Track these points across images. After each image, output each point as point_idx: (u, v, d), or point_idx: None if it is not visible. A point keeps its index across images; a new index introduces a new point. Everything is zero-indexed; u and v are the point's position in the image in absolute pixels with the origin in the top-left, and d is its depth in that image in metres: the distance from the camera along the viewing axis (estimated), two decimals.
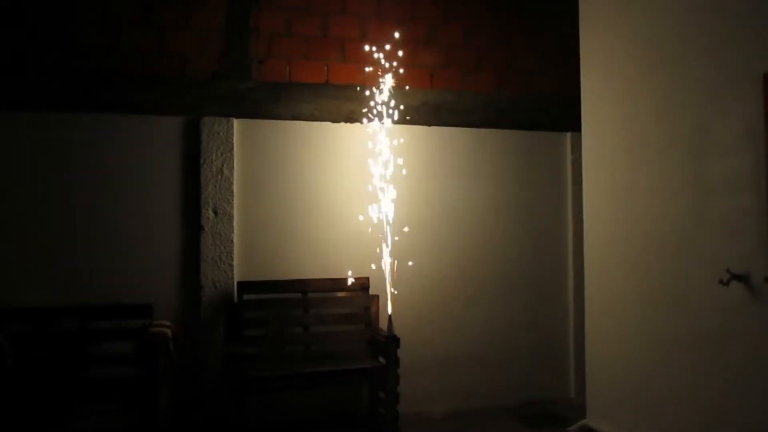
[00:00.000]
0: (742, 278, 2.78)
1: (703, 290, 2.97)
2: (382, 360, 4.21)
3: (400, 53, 4.65)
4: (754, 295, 2.74)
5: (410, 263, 4.61)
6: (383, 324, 4.43)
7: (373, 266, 4.56)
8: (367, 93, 4.61)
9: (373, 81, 4.62)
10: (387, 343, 4.15)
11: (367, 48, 4.64)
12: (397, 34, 4.64)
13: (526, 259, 5.00)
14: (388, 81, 4.59)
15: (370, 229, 4.54)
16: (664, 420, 3.23)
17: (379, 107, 4.59)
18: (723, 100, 2.91)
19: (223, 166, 4.34)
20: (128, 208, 4.24)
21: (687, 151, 3.11)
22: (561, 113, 4.98)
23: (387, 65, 4.62)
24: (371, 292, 4.53)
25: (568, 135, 5.05)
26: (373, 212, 4.56)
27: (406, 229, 4.62)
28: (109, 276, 4.16)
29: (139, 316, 3.98)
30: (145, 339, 3.82)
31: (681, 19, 3.16)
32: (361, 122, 4.64)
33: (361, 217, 4.57)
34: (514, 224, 4.98)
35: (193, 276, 4.30)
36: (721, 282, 2.80)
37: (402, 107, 4.66)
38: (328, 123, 4.62)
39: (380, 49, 4.63)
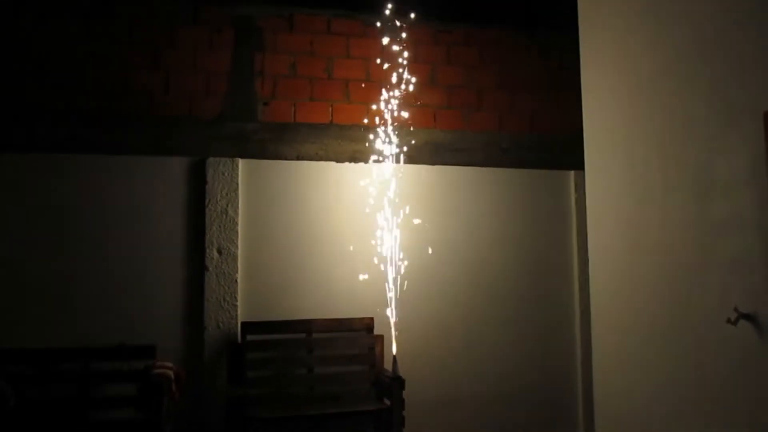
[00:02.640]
0: (750, 317, 2.74)
1: (712, 331, 2.93)
2: (387, 401, 4.17)
3: (404, 94, 4.71)
4: (762, 334, 2.71)
5: (415, 302, 4.59)
6: (388, 365, 4.40)
7: (378, 307, 4.55)
8: (372, 133, 4.67)
9: (377, 121, 4.68)
10: (392, 384, 4.11)
11: (371, 89, 4.72)
12: (400, 76, 4.72)
13: (532, 298, 4.97)
14: (391, 121, 4.65)
15: (379, 268, 4.55)
16: None
17: (383, 147, 4.64)
18: (725, 139, 2.92)
19: (228, 206, 4.37)
20: (133, 249, 4.27)
21: (691, 189, 3.12)
22: (564, 151, 5.00)
23: (390, 105, 4.68)
24: (376, 332, 4.51)
25: (572, 173, 5.07)
26: (378, 252, 4.57)
27: (405, 262, 4.62)
28: (112, 317, 4.16)
29: (141, 357, 3.96)
30: (147, 381, 3.80)
31: (683, 56, 3.20)
32: (366, 162, 4.69)
33: (365, 257, 4.58)
34: (519, 263, 4.96)
35: (197, 316, 4.29)
36: (728, 321, 2.76)
37: (406, 147, 4.70)
38: (333, 163, 4.67)
39: (384, 89, 4.70)
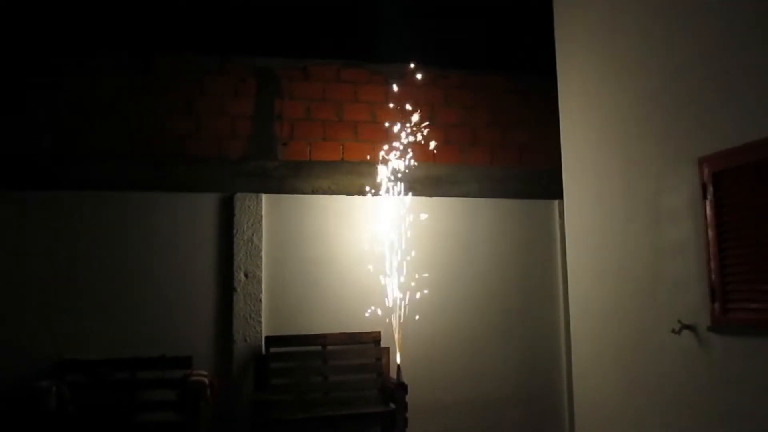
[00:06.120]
0: (691, 328, 3.24)
1: (664, 340, 3.37)
2: (392, 405, 4.69)
3: (406, 133, 5.27)
4: (700, 342, 3.20)
5: (417, 317, 5.13)
6: (393, 373, 4.93)
7: (385, 321, 5.06)
8: (377, 168, 5.22)
9: (383, 158, 5.24)
10: (396, 389, 4.64)
11: (376, 129, 5.30)
12: (402, 117, 5.28)
13: (522, 314, 5.46)
14: (394, 157, 5.21)
15: (385, 288, 5.08)
16: None
17: (387, 180, 5.19)
18: (670, 179, 3.43)
19: (253, 235, 4.96)
20: (171, 273, 4.85)
21: (644, 220, 3.62)
22: (550, 182, 5.40)
23: (394, 144, 5.24)
24: (382, 344, 5.04)
25: (556, 202, 5.53)
26: (384, 274, 5.09)
27: (408, 284, 5.15)
28: (154, 332, 4.73)
29: (180, 366, 4.53)
30: (185, 387, 4.35)
31: (639, 106, 3.69)
32: (373, 194, 5.23)
33: (373, 278, 5.10)
34: (510, 282, 5.47)
35: (227, 331, 4.85)
36: (673, 331, 3.26)
37: (408, 180, 5.24)
38: (344, 196, 5.24)
39: (388, 129, 5.27)
